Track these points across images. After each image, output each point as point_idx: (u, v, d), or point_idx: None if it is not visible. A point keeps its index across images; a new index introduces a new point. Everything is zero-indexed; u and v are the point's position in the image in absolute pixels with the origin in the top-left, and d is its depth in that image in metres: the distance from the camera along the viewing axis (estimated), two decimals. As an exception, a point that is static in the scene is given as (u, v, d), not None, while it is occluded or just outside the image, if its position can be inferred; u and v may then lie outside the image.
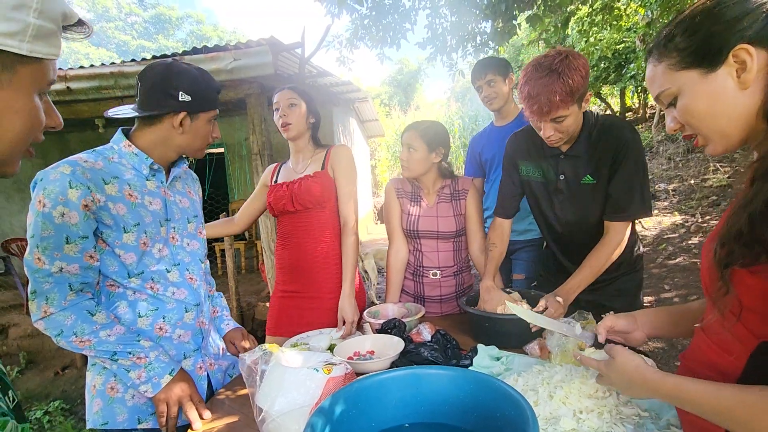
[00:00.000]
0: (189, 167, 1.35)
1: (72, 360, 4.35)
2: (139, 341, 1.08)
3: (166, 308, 1.17)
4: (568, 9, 5.28)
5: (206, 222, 1.50)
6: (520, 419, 0.71)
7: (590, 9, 6.44)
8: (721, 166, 6.75)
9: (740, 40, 0.65)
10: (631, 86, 9.96)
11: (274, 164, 1.88)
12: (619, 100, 11.77)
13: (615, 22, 6.45)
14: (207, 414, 1.10)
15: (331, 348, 1.47)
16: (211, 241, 5.73)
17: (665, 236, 5.39)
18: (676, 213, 6.25)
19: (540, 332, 1.35)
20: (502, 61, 2.15)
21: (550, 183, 1.51)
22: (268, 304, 4.54)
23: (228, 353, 1.43)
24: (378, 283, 5.55)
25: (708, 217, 5.75)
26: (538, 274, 1.98)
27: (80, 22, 0.60)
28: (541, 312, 1.30)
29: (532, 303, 1.45)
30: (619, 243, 1.40)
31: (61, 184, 0.99)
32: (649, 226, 6.05)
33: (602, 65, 9.77)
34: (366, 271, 5.45)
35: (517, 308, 1.18)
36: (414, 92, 26.90)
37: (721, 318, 0.71)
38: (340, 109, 7.53)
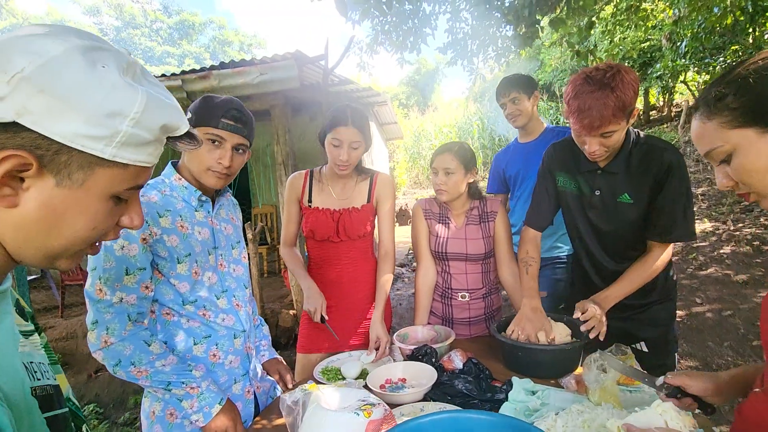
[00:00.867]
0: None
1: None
2: (191, 371, 1.12)
3: (217, 335, 1.22)
4: (593, 9, 5.18)
5: None
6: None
7: (615, 9, 6.30)
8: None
9: None
10: (657, 86, 9.69)
11: (301, 174, 1.77)
12: (642, 99, 11.47)
13: (641, 22, 6.29)
14: (248, 443, 1.13)
15: (362, 375, 1.48)
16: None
17: (694, 244, 5.22)
18: (705, 220, 6.03)
19: (576, 365, 1.34)
20: (528, 79, 2.13)
21: (585, 197, 1.49)
22: (291, 312, 4.61)
23: (267, 376, 1.47)
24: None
25: (740, 225, 5.54)
26: (566, 295, 1.95)
27: (189, 135, 0.59)
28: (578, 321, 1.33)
29: (569, 326, 1.44)
30: (661, 261, 1.40)
31: None
32: (678, 233, 5.87)
33: (627, 65, 9.53)
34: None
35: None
36: (432, 92, 26.79)
37: None
38: (359, 114, 7.56)
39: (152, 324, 1.15)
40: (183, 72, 3.48)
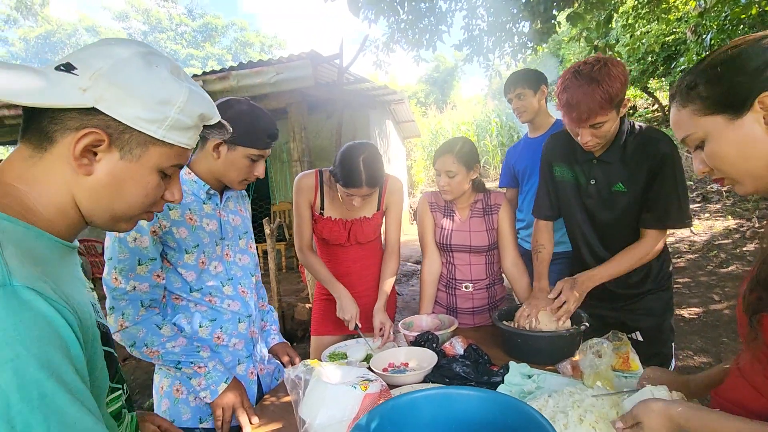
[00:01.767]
0: None
1: (131, 352, 4.71)
2: (199, 352, 1.21)
3: (223, 319, 1.31)
4: (612, 3, 5.09)
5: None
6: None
7: (636, 2, 6.16)
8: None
9: (765, 89, 0.66)
10: (682, 80, 9.40)
11: (310, 176, 1.76)
12: (667, 93, 11.14)
13: (663, 15, 6.13)
14: (255, 419, 1.22)
15: (367, 358, 1.55)
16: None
17: (716, 242, 5.08)
18: (729, 217, 5.85)
19: (572, 351, 1.37)
20: (534, 74, 2.14)
21: (582, 187, 1.53)
22: (307, 305, 4.72)
23: (273, 359, 1.55)
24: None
25: (766, 222, 5.36)
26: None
27: (220, 124, 0.74)
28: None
29: (573, 320, 1.47)
30: (651, 249, 1.42)
31: None
32: (699, 231, 5.71)
33: (649, 59, 9.29)
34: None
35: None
36: (451, 90, 26.64)
37: (755, 361, 0.72)
38: (376, 112, 7.63)
39: (163, 308, 1.24)
40: (204, 73, 3.61)
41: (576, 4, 4.51)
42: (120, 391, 0.67)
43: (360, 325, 1.70)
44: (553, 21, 4.55)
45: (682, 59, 8.48)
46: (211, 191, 1.30)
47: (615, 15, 6.22)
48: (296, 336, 4.49)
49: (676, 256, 5.11)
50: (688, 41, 8.49)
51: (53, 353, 0.46)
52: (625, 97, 1.31)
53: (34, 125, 0.59)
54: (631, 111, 12.37)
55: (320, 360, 1.57)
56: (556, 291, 1.44)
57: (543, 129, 2.21)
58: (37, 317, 0.46)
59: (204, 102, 0.68)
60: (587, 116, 1.27)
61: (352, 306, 1.70)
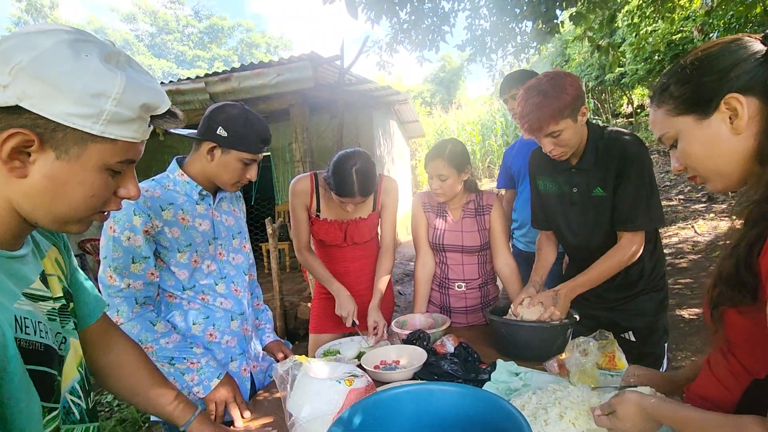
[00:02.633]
0: None
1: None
2: (192, 348, 1.25)
3: (215, 317, 1.34)
4: (616, 2, 5.07)
5: (250, 232, 1.61)
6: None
7: (641, 1, 6.13)
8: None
9: (731, 90, 0.67)
10: (689, 79, 9.32)
11: (305, 179, 1.79)
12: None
13: (668, 14, 6.09)
14: (247, 413, 1.25)
15: (360, 356, 1.58)
16: (258, 242, 6.06)
17: (720, 242, 5.03)
18: (734, 217, 5.79)
19: (561, 348, 1.39)
20: (529, 75, 2.15)
21: (565, 196, 1.56)
22: (309, 305, 4.76)
23: (267, 356, 1.58)
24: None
25: (730, 221, 5.29)
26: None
27: (171, 113, 0.67)
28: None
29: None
30: (628, 252, 1.43)
31: (127, 212, 1.17)
32: (703, 231, 5.66)
33: (656, 58, 9.21)
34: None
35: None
36: (456, 89, 26.58)
37: (718, 353, 0.74)
38: (380, 113, 7.66)
39: (157, 305, 1.28)
40: (206, 75, 3.67)
41: (579, 4, 4.50)
42: (57, 410, 0.63)
43: (357, 322, 1.73)
44: (555, 21, 4.54)
45: (688, 58, 8.41)
46: (204, 192, 1.33)
47: (619, 14, 6.20)
48: (298, 335, 4.53)
49: (678, 256, 5.08)
50: (695, 40, 8.42)
51: None
52: (583, 105, 1.37)
53: None
54: (638, 110, 12.31)
55: (315, 356, 1.60)
56: (520, 299, 1.48)
57: None
58: None
59: (147, 90, 0.61)
60: (538, 126, 1.35)
61: (349, 303, 1.73)
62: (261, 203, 6.66)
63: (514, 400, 1.12)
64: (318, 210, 1.79)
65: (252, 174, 1.31)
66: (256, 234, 6.20)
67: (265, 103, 4.06)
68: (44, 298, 0.66)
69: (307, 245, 1.85)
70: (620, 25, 8.46)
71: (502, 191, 2.47)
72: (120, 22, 37.26)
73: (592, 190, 1.48)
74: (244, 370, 1.41)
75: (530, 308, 1.44)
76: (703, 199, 6.78)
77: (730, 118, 0.69)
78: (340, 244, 1.84)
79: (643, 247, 1.45)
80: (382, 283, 1.83)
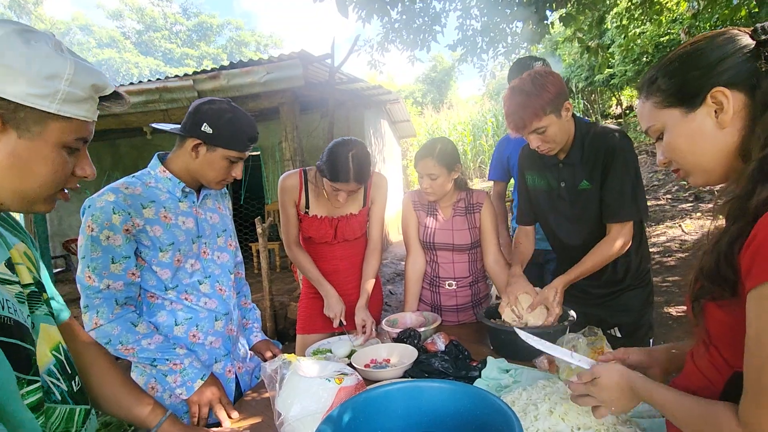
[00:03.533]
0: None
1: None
2: (174, 349, 1.21)
3: (199, 317, 1.30)
4: (606, 4, 5.13)
5: (240, 231, 1.59)
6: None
7: (629, 3, 6.21)
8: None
9: (717, 84, 0.68)
10: (676, 80, 9.49)
11: (294, 175, 1.78)
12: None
13: (656, 17, 6.17)
14: (234, 414, 1.22)
15: (350, 354, 1.57)
16: (247, 242, 6.01)
17: (704, 238, 5.11)
18: (720, 216, 5.89)
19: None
20: (535, 60, 2.15)
21: (553, 191, 1.57)
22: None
23: (255, 357, 1.56)
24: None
25: (712, 219, 5.39)
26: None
27: (117, 95, 0.73)
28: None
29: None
30: (614, 243, 1.45)
31: (106, 210, 1.13)
32: (690, 230, 5.75)
33: (644, 59, 9.35)
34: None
35: (522, 332, 1.19)
36: (448, 89, 26.67)
37: (700, 345, 0.74)
38: (371, 112, 7.65)
39: (139, 306, 1.24)
40: (195, 72, 3.62)
41: (569, 5, 4.54)
42: (38, 384, 0.65)
43: (345, 323, 1.72)
44: (546, 22, 4.58)
45: (675, 60, 8.55)
46: (187, 189, 1.29)
47: (608, 16, 6.27)
48: (288, 335, 4.50)
49: (666, 255, 5.15)
50: (682, 42, 8.56)
51: None
52: (566, 101, 1.40)
53: None
54: (627, 111, 12.48)
55: (305, 355, 1.58)
56: (542, 297, 1.48)
57: None
58: None
59: (93, 73, 0.67)
60: (522, 124, 1.38)
61: (337, 304, 1.72)
62: (250, 202, 6.60)
63: (504, 397, 1.12)
64: (307, 206, 1.78)
65: (237, 172, 1.28)
66: (246, 234, 6.14)
67: (255, 101, 4.02)
68: (10, 282, 0.67)
69: (296, 240, 1.84)
70: (609, 26, 8.58)
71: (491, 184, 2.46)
72: (106, 19, 36.69)
73: (578, 183, 1.50)
74: (229, 371, 1.38)
75: (533, 312, 1.47)
76: (690, 199, 6.88)
77: (715, 112, 0.69)
78: (330, 242, 1.82)
79: (631, 240, 1.46)
80: (369, 284, 1.81)
